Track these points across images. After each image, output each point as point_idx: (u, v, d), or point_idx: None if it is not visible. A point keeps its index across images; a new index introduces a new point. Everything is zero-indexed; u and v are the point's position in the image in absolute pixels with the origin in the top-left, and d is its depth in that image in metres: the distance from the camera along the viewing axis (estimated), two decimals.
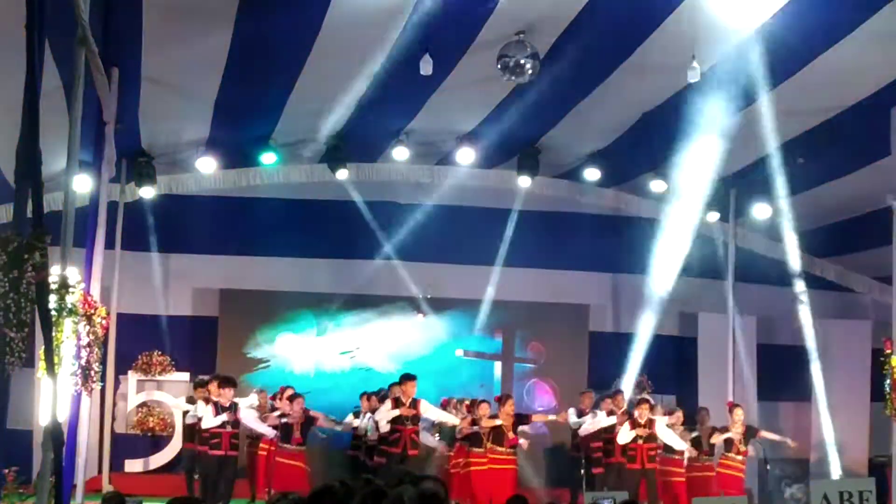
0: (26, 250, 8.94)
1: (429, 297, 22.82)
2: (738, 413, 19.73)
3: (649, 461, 19.08)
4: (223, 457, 18.61)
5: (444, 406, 20.30)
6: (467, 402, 20.19)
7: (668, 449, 19.34)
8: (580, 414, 20.70)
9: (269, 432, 19.20)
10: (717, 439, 19.38)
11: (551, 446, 22.91)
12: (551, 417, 21.43)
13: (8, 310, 9.00)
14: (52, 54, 12.99)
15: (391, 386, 19.69)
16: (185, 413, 20.16)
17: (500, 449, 18.96)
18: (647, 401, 19.75)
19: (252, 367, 22.53)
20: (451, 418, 19.60)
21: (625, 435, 18.99)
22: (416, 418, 19.05)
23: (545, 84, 16.77)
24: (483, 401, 19.57)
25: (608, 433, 19.40)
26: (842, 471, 21.87)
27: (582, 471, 20.20)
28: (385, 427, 19.09)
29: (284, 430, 18.96)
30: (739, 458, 19.51)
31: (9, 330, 9.06)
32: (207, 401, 18.80)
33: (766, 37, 15.20)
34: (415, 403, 19.02)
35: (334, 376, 22.81)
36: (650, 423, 19.13)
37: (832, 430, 22.57)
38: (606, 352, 23.68)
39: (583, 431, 20.08)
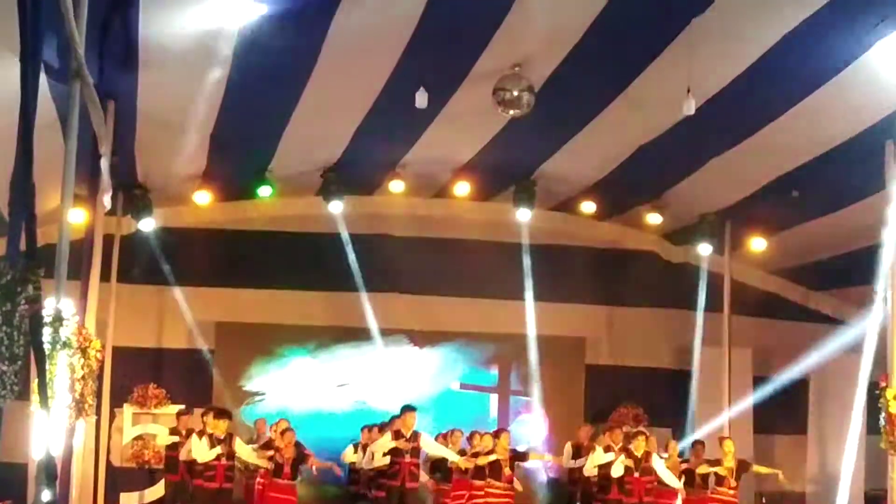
0: (20, 283, 8.90)
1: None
2: (728, 446, 19.79)
3: (646, 494, 19.07)
4: (218, 490, 18.57)
5: (441, 439, 20.24)
6: (466, 434, 20.25)
7: (661, 482, 19.35)
8: (577, 447, 20.68)
9: (263, 464, 19.15)
10: (704, 471, 19.38)
11: (546, 480, 22.86)
12: (548, 457, 21.43)
13: (1, 343, 8.96)
14: (48, 86, 12.99)
15: (392, 419, 19.67)
16: (175, 445, 20.04)
17: (497, 484, 19.02)
18: (643, 433, 19.76)
19: (247, 399, 22.50)
20: (449, 453, 19.56)
21: (618, 468, 18.97)
22: (415, 451, 19.04)
23: (541, 116, 16.76)
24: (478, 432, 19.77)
25: (605, 469, 19.34)
26: None
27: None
28: (381, 459, 19.07)
29: (276, 465, 18.93)
30: (731, 492, 19.52)
31: (1, 363, 9.01)
32: (201, 433, 18.76)
33: (763, 71, 15.24)
34: (415, 436, 19.02)
35: (330, 411, 22.75)
36: (647, 456, 19.14)
37: (827, 464, 22.55)
38: (602, 384, 23.68)
39: (586, 472, 20.01)
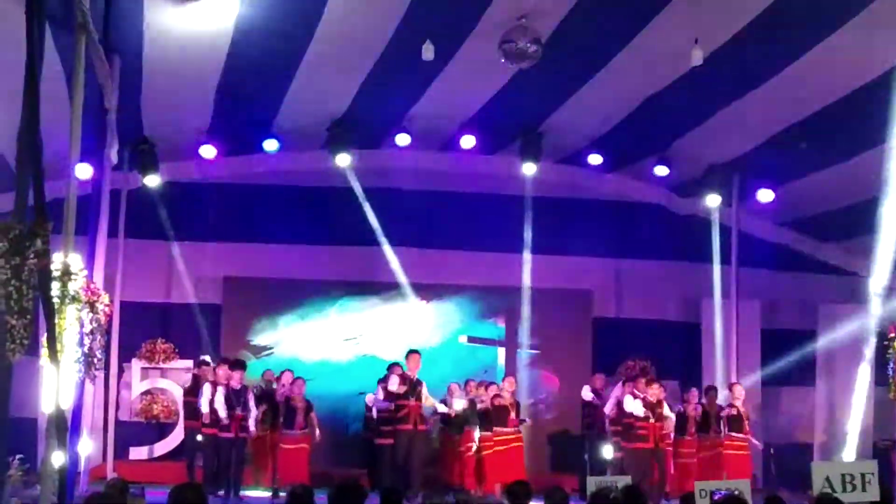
0: (28, 237, 8.93)
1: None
2: (738, 390, 20.08)
3: (661, 441, 19.23)
4: (232, 440, 18.68)
5: (450, 391, 20.27)
6: (475, 383, 20.35)
7: (679, 430, 19.53)
8: (595, 392, 20.78)
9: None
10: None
11: (554, 432, 22.92)
12: None
13: (9, 297, 8.99)
14: (53, 41, 12.97)
15: (391, 365, 19.71)
16: (193, 391, 19.92)
17: (504, 430, 19.22)
18: (657, 381, 19.91)
19: (256, 354, 22.53)
20: (440, 406, 19.69)
21: (638, 408, 19.11)
22: (421, 394, 19.15)
23: (547, 68, 16.73)
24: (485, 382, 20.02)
25: (627, 418, 19.44)
26: (846, 455, 21.86)
27: (586, 455, 20.26)
28: (381, 396, 19.24)
29: (288, 416, 19.01)
30: (745, 436, 19.75)
31: (10, 317, 9.05)
32: (215, 384, 18.84)
33: (770, 20, 15.18)
34: (419, 382, 19.17)
35: (338, 363, 22.79)
36: (660, 404, 19.31)
37: (835, 415, 22.59)
38: (610, 337, 23.65)
39: (609, 410, 20.13)
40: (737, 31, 15.88)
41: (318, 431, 19.40)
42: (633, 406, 19.17)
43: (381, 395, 19.54)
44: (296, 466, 18.83)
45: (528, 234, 22.98)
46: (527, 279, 23.04)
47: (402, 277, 22.94)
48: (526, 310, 23.26)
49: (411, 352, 19.67)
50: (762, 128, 19.79)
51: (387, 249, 22.85)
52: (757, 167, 21.62)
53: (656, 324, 23.93)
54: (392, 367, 19.63)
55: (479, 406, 19.64)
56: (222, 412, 18.55)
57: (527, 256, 23.06)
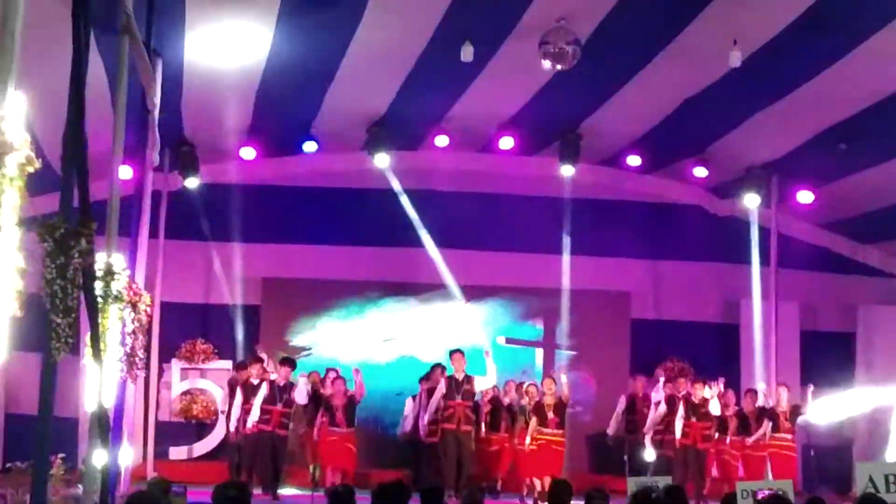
0: (72, 236, 8.99)
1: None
2: (783, 392, 20.01)
3: (703, 440, 19.22)
4: (272, 434, 18.81)
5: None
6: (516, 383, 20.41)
7: (721, 429, 19.54)
8: (632, 398, 20.89)
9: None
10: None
11: (593, 433, 22.91)
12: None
13: (54, 296, 9.05)
14: (97, 43, 13.06)
15: (434, 366, 19.77)
16: (235, 388, 20.07)
17: (545, 430, 19.25)
18: (701, 381, 19.89)
19: (295, 355, 22.58)
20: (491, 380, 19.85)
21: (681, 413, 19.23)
22: (468, 393, 19.20)
23: (586, 69, 16.73)
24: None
25: (669, 416, 19.53)
26: (888, 456, 21.78)
27: (626, 456, 20.25)
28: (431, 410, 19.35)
29: (330, 414, 19.13)
30: (788, 436, 19.78)
31: (55, 316, 9.11)
32: (261, 379, 19.07)
33: (810, 22, 15.14)
34: (468, 378, 19.23)
35: (377, 364, 22.84)
36: (704, 403, 19.32)
37: (876, 416, 22.50)
38: (648, 339, 23.63)
39: (647, 430, 20.17)
40: (776, 33, 15.85)
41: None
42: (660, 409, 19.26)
43: (423, 401, 19.66)
44: (341, 456, 19.02)
45: (566, 236, 23.00)
46: (565, 281, 23.04)
47: (440, 278, 22.97)
48: (564, 311, 23.26)
49: (454, 351, 19.73)
50: (801, 129, 19.74)
51: (426, 250, 22.88)
52: (796, 168, 21.56)
53: (695, 325, 23.87)
54: (435, 367, 19.70)
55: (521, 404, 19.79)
56: (255, 409, 18.79)
57: (565, 258, 23.07)
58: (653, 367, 22.71)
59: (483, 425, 20.09)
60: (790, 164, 21.37)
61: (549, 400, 19.70)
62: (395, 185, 22.74)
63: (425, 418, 19.85)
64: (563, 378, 20.44)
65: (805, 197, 22.58)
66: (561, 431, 19.73)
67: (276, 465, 19.11)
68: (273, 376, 19.50)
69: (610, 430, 21.30)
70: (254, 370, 19.66)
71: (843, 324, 23.58)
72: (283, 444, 19.30)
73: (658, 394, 20.55)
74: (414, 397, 20.75)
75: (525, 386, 20.38)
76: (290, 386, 19.25)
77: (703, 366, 22.67)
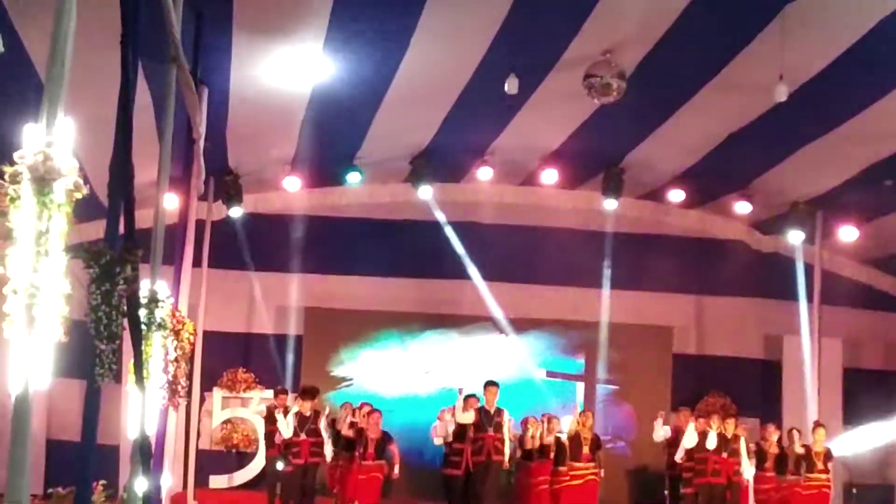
0: (118, 263, 9.01)
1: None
2: (821, 433, 19.85)
3: (735, 475, 19.10)
4: (304, 466, 18.82)
5: (525, 424, 20.20)
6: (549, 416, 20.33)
7: (758, 465, 19.43)
8: (675, 431, 20.54)
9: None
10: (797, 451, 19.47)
11: (634, 467, 22.83)
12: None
13: (99, 322, 9.07)
14: (144, 71, 13.16)
15: (468, 397, 19.69)
16: (273, 420, 20.06)
17: (578, 465, 19.20)
18: (735, 417, 19.76)
19: (335, 385, 22.63)
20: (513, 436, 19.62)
21: (712, 440, 18.98)
22: (499, 426, 19.12)
23: (631, 103, 16.70)
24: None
25: (699, 452, 19.32)
26: None
27: (666, 491, 20.14)
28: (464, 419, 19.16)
29: (361, 446, 19.07)
30: (823, 476, 19.62)
31: (99, 342, 9.13)
32: (286, 411, 19.06)
33: (857, 55, 15.09)
34: (499, 412, 19.16)
35: (417, 396, 22.84)
36: (735, 439, 19.20)
37: None
38: (689, 374, 23.55)
39: (677, 458, 19.99)
40: (822, 67, 15.79)
41: (397, 466, 19.44)
42: (709, 442, 19.06)
43: (450, 427, 19.45)
44: (368, 492, 18.92)
45: (608, 270, 22.97)
46: (607, 314, 22.99)
47: (482, 311, 22.97)
48: (605, 345, 23.21)
49: (489, 383, 19.68)
50: (846, 165, 19.63)
51: (468, 282, 22.90)
52: (841, 204, 21.46)
53: (737, 360, 23.80)
54: (468, 398, 19.62)
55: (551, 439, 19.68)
56: (286, 435, 18.79)
57: (607, 292, 23.04)
58: (694, 402, 22.62)
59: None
60: (834, 200, 21.27)
61: (585, 434, 19.64)
62: (439, 216, 22.79)
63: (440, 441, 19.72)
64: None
65: (849, 233, 22.46)
66: (596, 466, 19.67)
67: (308, 495, 19.10)
68: (295, 408, 19.41)
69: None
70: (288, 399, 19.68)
71: (887, 361, 23.42)
72: (315, 473, 19.29)
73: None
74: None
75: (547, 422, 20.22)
76: (316, 416, 19.25)
77: (745, 401, 22.59)
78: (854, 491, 21.80)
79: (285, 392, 20.29)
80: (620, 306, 23.11)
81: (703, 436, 19.27)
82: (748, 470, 19.46)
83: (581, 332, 23.39)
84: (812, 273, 22.83)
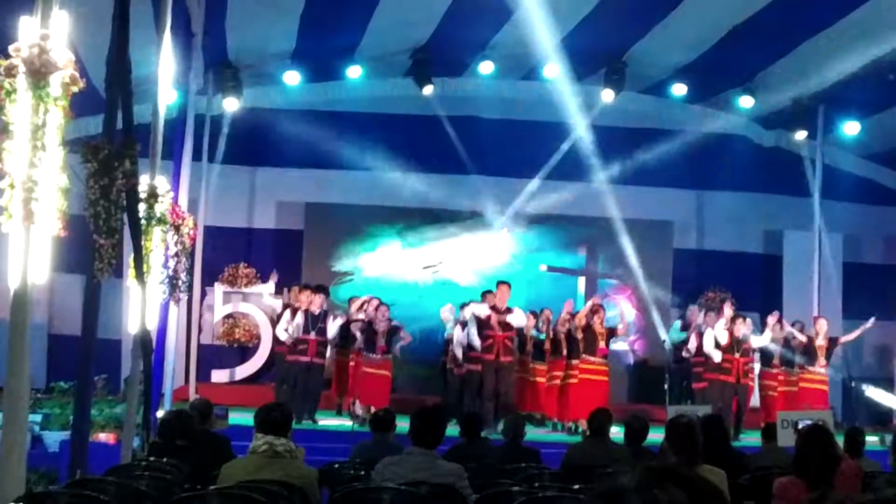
0: (116, 158, 9.00)
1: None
2: (822, 325, 19.90)
3: (744, 376, 19.13)
4: (309, 364, 18.81)
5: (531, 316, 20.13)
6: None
7: (765, 362, 19.45)
8: (686, 327, 20.53)
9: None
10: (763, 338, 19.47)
11: (634, 362, 22.95)
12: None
13: (98, 217, 9.06)
14: None
15: (484, 293, 19.55)
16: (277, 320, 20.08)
17: (592, 359, 19.11)
18: (742, 316, 19.66)
19: (337, 279, 22.67)
20: (523, 320, 19.43)
21: (723, 336, 18.99)
22: (509, 326, 18.94)
23: None
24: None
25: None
26: None
27: (666, 385, 20.17)
28: (471, 327, 19.01)
29: (369, 340, 19.00)
30: (822, 370, 19.68)
31: (98, 237, 9.13)
32: (295, 309, 19.01)
33: None
34: (509, 310, 18.99)
35: (417, 290, 22.90)
36: (746, 339, 19.21)
37: None
38: (690, 268, 23.60)
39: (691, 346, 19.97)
40: None
41: (403, 343, 19.49)
42: (713, 351, 18.98)
43: (473, 331, 19.25)
44: (378, 391, 18.84)
45: (610, 165, 22.88)
46: (608, 209, 22.94)
47: (482, 205, 22.94)
48: (606, 240, 23.19)
49: (500, 282, 19.52)
50: (849, 59, 19.49)
51: (469, 177, 22.86)
52: (843, 99, 21.37)
53: (737, 255, 23.84)
54: (485, 294, 19.45)
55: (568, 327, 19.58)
56: (296, 334, 18.77)
57: (608, 186, 22.96)
58: (695, 297, 22.65)
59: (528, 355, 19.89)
60: (837, 94, 21.15)
61: (599, 328, 19.49)
62: (441, 112, 22.68)
63: (458, 352, 19.59)
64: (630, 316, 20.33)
65: (851, 128, 22.39)
66: (606, 364, 19.54)
67: (314, 393, 19.09)
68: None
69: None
70: (303, 296, 19.41)
71: (888, 256, 23.45)
72: (320, 372, 19.25)
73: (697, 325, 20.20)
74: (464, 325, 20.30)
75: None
76: (324, 314, 19.14)
77: (745, 296, 22.61)
78: (853, 385, 21.92)
79: (304, 289, 19.97)
80: (622, 201, 23.02)
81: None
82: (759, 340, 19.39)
83: (582, 227, 23.37)
84: (813, 168, 22.77)
